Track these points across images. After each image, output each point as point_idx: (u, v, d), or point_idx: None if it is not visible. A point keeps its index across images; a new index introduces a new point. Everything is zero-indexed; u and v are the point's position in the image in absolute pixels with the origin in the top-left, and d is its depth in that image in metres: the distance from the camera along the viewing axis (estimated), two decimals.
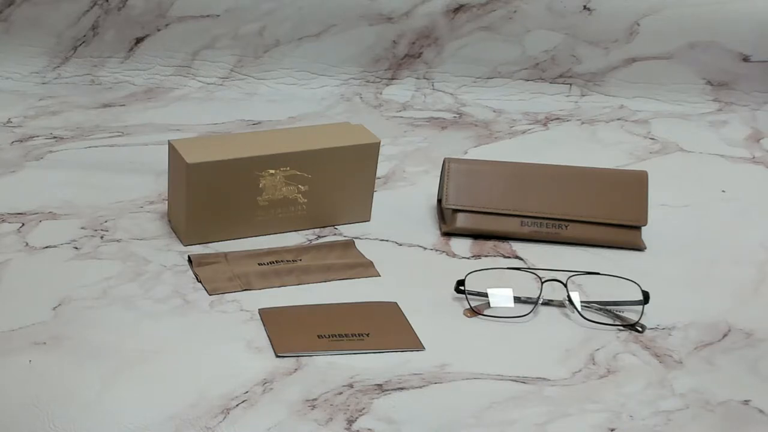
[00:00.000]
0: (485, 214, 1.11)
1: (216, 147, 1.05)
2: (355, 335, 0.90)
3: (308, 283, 1.00)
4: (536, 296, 0.97)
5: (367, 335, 0.91)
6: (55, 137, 1.36)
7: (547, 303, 0.98)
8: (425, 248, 1.09)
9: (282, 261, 1.03)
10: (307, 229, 1.12)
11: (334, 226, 1.13)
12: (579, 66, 1.59)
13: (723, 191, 1.29)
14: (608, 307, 0.97)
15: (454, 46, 1.59)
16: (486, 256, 1.08)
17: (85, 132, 1.39)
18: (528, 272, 1.01)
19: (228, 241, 1.07)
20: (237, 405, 0.80)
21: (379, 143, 1.11)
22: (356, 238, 1.10)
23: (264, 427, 0.78)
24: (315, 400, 0.82)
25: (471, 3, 1.57)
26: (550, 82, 1.60)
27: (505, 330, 0.94)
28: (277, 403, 0.81)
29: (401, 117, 1.51)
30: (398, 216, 1.17)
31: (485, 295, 0.98)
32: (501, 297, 0.97)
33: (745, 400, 0.85)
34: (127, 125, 1.42)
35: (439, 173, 1.15)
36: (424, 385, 0.84)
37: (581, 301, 0.96)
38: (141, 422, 0.78)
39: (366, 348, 0.89)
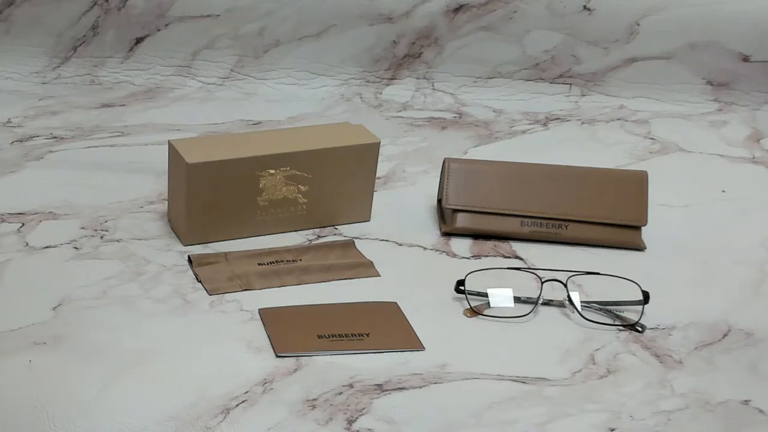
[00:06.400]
0: (485, 214, 1.11)
1: (216, 147, 1.05)
2: (355, 335, 0.90)
3: (308, 283, 1.00)
4: (536, 296, 0.97)
5: (367, 335, 0.91)
6: (55, 137, 1.36)
7: (547, 303, 0.98)
8: (425, 248, 1.09)
9: (282, 261, 1.03)
10: (307, 229, 1.12)
11: (334, 226, 1.13)
12: (579, 66, 1.59)
13: (723, 191, 1.29)
14: (608, 307, 0.97)
15: (454, 46, 1.59)
16: (486, 256, 1.08)
17: (85, 132, 1.39)
18: (528, 272, 1.01)
19: (228, 241, 1.07)
20: (237, 405, 0.80)
21: (379, 143, 1.11)
22: (356, 238, 1.10)
23: (264, 427, 0.78)
24: (315, 400, 0.82)
25: (471, 3, 1.57)
26: (550, 82, 1.60)
27: (505, 330, 0.94)
28: (277, 403, 0.81)
29: (401, 117, 1.51)
30: (398, 216, 1.17)
31: (485, 295, 0.98)
32: (501, 297, 0.97)
33: (745, 400, 0.85)
34: (127, 125, 1.42)
35: (439, 173, 1.15)
36: (424, 385, 0.84)
37: (581, 301, 0.96)
38: (141, 422, 0.78)
39: (366, 348, 0.89)
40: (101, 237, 1.08)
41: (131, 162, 1.29)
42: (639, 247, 1.10)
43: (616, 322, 0.96)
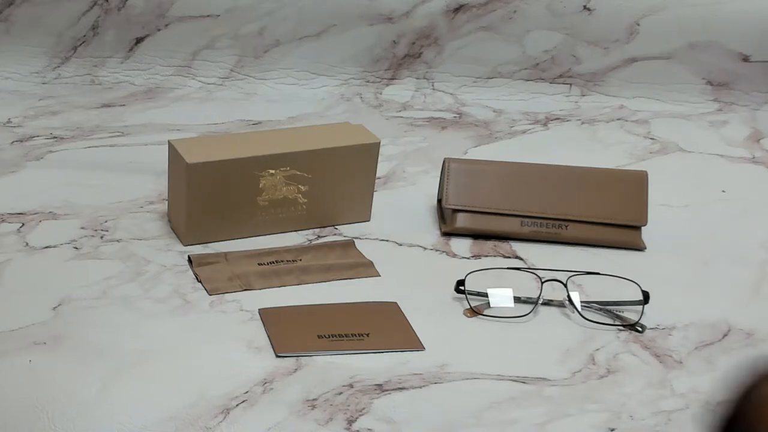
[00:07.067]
0: (485, 214, 1.11)
1: (216, 147, 1.05)
2: (355, 335, 0.90)
3: (308, 283, 1.00)
4: (536, 296, 0.97)
5: (367, 335, 0.91)
6: (55, 137, 1.36)
7: (547, 303, 0.98)
8: (425, 248, 1.09)
9: (282, 261, 1.03)
10: (307, 229, 1.12)
11: (334, 226, 1.13)
12: (579, 66, 1.59)
13: (723, 191, 1.29)
14: (608, 307, 0.97)
15: (454, 46, 1.59)
16: (486, 256, 1.08)
17: (85, 132, 1.39)
18: (528, 272, 1.01)
19: (228, 241, 1.07)
20: (237, 405, 0.80)
21: (379, 143, 1.11)
22: (356, 238, 1.10)
23: (264, 427, 0.78)
24: (315, 400, 0.82)
25: (471, 3, 1.57)
26: (550, 82, 1.60)
27: (505, 330, 0.94)
28: (277, 403, 0.81)
29: (401, 117, 1.51)
30: (398, 216, 1.16)
31: (485, 295, 0.98)
32: (501, 297, 0.97)
33: None
34: (127, 125, 1.42)
35: (439, 173, 1.15)
36: (424, 385, 0.84)
37: (581, 301, 0.96)
38: (141, 422, 0.78)
39: (366, 348, 0.89)
40: (101, 237, 1.08)
41: (131, 162, 1.29)
42: (639, 247, 1.10)
43: (616, 322, 0.96)
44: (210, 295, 0.97)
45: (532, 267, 1.05)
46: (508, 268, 1.02)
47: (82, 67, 1.59)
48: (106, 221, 1.11)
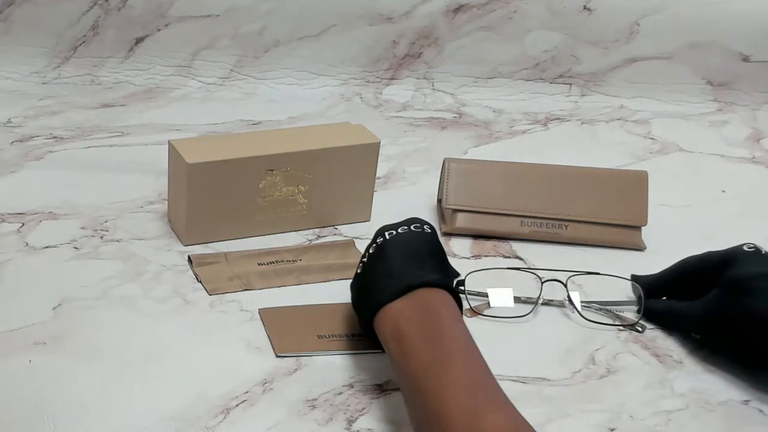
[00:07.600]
0: (485, 214, 1.11)
1: (216, 147, 1.05)
2: (355, 335, 0.90)
3: (308, 283, 1.00)
4: (536, 296, 0.97)
5: None
6: (55, 137, 1.36)
7: (547, 303, 0.98)
8: None
9: (282, 261, 1.03)
10: (307, 229, 1.12)
11: (334, 226, 1.13)
12: (579, 66, 1.59)
13: (723, 191, 1.29)
14: (608, 307, 0.97)
15: (454, 46, 1.59)
16: (486, 256, 1.08)
17: (85, 132, 1.39)
18: (528, 272, 1.01)
19: (228, 241, 1.07)
20: (237, 405, 0.80)
21: (379, 143, 1.11)
22: (356, 238, 1.10)
23: (264, 427, 0.78)
24: (315, 400, 0.82)
25: (471, 3, 1.57)
26: (550, 82, 1.60)
27: (505, 330, 0.94)
28: (277, 403, 0.81)
29: (401, 117, 1.51)
30: (398, 216, 1.16)
31: (485, 295, 0.98)
32: (501, 297, 0.98)
33: (745, 400, 0.85)
34: (127, 125, 1.42)
35: (439, 173, 1.15)
36: None
37: (581, 301, 0.96)
38: (141, 422, 0.78)
39: (366, 348, 0.89)
40: (101, 237, 1.08)
41: (131, 162, 1.29)
42: (639, 247, 1.10)
43: (616, 322, 0.96)
44: (210, 295, 0.97)
45: (532, 267, 1.05)
46: (508, 268, 1.02)
47: (82, 67, 1.59)
48: (106, 221, 1.11)
